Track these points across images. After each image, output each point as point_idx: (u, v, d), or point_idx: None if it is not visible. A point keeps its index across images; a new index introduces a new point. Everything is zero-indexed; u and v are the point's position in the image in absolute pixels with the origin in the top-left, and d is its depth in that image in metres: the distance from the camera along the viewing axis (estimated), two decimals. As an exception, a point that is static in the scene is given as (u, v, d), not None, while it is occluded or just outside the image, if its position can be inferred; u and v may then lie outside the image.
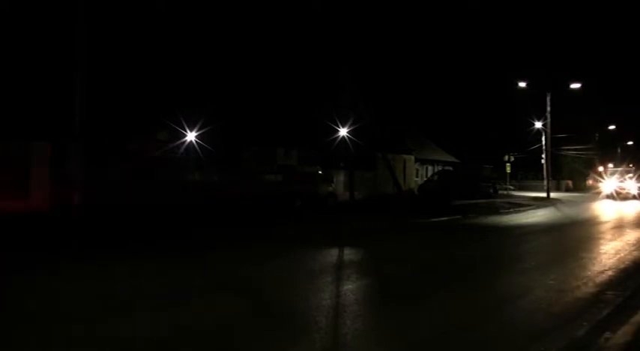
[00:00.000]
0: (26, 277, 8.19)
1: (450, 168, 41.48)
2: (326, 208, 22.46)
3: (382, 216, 19.65)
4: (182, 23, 23.06)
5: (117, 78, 19.67)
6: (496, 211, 23.67)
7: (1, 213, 13.90)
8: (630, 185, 35.45)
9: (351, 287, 7.65)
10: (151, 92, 21.56)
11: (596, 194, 37.26)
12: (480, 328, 5.69)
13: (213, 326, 5.74)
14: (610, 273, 8.77)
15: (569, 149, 46.15)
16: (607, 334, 5.43)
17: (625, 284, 7.91)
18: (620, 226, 17.54)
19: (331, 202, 23.76)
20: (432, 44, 58.44)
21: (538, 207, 27.04)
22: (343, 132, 25.22)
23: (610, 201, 32.16)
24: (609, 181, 36.99)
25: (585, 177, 51.55)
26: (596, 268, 9.23)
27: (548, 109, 36.28)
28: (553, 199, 32.97)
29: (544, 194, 34.87)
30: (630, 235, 14.42)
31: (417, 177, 39.08)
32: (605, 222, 19.06)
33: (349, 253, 11.12)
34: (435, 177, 36.87)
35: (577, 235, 15.46)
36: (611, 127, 54.61)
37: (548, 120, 36.56)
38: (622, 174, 37.23)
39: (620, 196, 34.01)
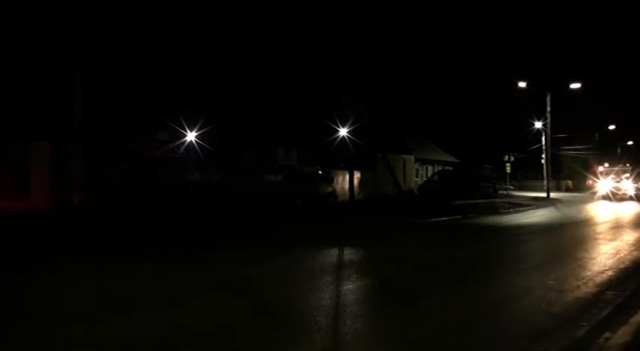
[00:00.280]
0: (26, 277, 8.19)
1: (450, 168, 41.47)
2: (326, 208, 22.45)
3: (382, 216, 19.66)
4: (182, 23, 23.07)
5: (117, 78, 19.68)
6: (496, 211, 23.67)
7: (1, 213, 13.90)
8: (627, 185, 34.15)
9: (351, 287, 7.65)
10: (151, 92, 21.56)
11: (593, 194, 35.78)
12: (480, 328, 5.69)
13: (213, 326, 5.74)
14: (610, 273, 8.77)
15: (569, 149, 46.16)
16: (607, 334, 5.42)
17: (625, 284, 7.91)
18: (619, 227, 17.54)
19: (331, 202, 23.76)
20: (432, 44, 58.48)
21: (538, 207, 27.05)
22: (343, 132, 25.23)
23: (606, 202, 30.98)
24: (605, 181, 35.61)
25: (585, 177, 51.31)
26: (596, 268, 9.23)
27: (548, 109, 36.29)
28: (553, 199, 32.97)
29: (544, 194, 34.87)
30: (630, 236, 14.42)
31: (417, 177, 39.09)
32: (605, 222, 19.05)
33: (349, 253, 11.12)
34: (435, 177, 36.87)
35: (577, 235, 15.46)
36: (611, 127, 54.63)
37: (548, 120, 36.56)
38: (618, 174, 35.81)
39: (616, 197, 32.79)
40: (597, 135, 54.94)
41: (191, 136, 21.75)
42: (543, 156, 38.32)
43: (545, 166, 37.79)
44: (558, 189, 46.02)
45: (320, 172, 24.70)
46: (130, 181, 17.27)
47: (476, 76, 55.82)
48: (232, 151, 25.17)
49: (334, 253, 11.14)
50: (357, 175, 27.39)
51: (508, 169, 40.39)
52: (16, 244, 11.22)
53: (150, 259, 10.13)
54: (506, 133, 48.18)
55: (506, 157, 40.36)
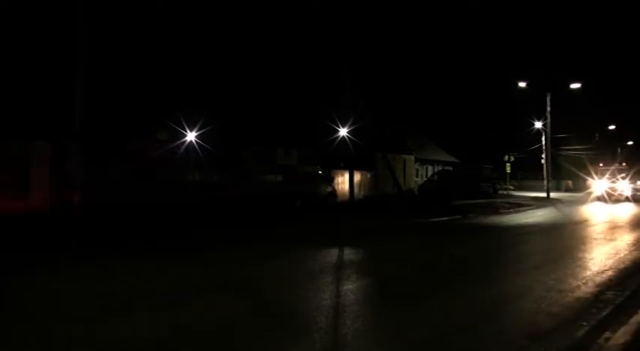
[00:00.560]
0: (26, 277, 8.19)
1: (450, 168, 41.50)
2: (326, 208, 22.46)
3: (382, 216, 19.65)
4: (182, 23, 23.07)
5: (117, 78, 19.68)
6: (496, 211, 23.67)
7: (1, 213, 13.90)
8: (623, 186, 32.63)
9: (351, 287, 7.65)
10: (151, 92, 21.57)
11: (589, 195, 34.10)
12: (480, 328, 5.69)
13: (213, 326, 5.75)
14: (610, 273, 8.77)
15: (569, 149, 46.14)
16: (607, 334, 5.43)
17: (625, 284, 7.91)
18: (619, 227, 17.55)
19: (331, 202, 23.78)
20: (432, 44, 58.50)
21: (538, 207, 27.04)
22: (343, 132, 25.23)
23: (601, 204, 29.18)
24: (600, 181, 33.95)
25: (584, 177, 51.09)
26: (596, 268, 9.23)
27: (548, 109, 36.29)
28: (553, 199, 32.96)
29: (544, 194, 34.85)
30: (630, 236, 14.42)
31: (417, 177, 39.10)
32: (605, 222, 19.05)
33: (349, 253, 11.12)
34: (435, 177, 36.87)
35: (577, 235, 15.47)
36: (611, 127, 54.63)
37: (548, 120, 36.56)
38: (614, 173, 34.02)
39: (611, 198, 31.14)
40: (597, 135, 54.95)
41: (191, 136, 21.75)
42: (543, 156, 38.32)
43: (545, 166, 37.78)
44: (558, 189, 46.01)
45: (320, 172, 24.72)
46: (130, 181, 17.27)
47: (476, 76, 55.89)
48: (232, 151, 25.17)
49: (334, 253, 11.14)
50: (357, 175, 27.40)
51: (508, 169, 40.39)
52: (16, 244, 11.23)
53: (150, 259, 10.13)
54: (506, 133, 48.24)
55: (506, 157, 40.37)
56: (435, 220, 18.92)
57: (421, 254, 11.27)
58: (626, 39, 71.82)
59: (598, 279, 8.26)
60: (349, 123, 25.05)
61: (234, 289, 7.60)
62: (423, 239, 14.34)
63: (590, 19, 65.03)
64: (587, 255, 11.18)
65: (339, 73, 24.19)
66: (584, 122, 47.85)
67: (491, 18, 61.60)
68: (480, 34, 62.13)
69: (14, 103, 17.83)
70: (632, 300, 6.95)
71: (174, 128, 21.34)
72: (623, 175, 33.82)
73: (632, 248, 11.85)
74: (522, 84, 35.66)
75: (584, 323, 5.88)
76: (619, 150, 58.18)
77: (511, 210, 24.56)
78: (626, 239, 13.61)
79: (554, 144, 39.72)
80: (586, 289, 7.53)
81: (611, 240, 13.73)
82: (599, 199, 31.29)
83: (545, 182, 36.69)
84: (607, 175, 33.99)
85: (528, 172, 51.54)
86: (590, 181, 36.47)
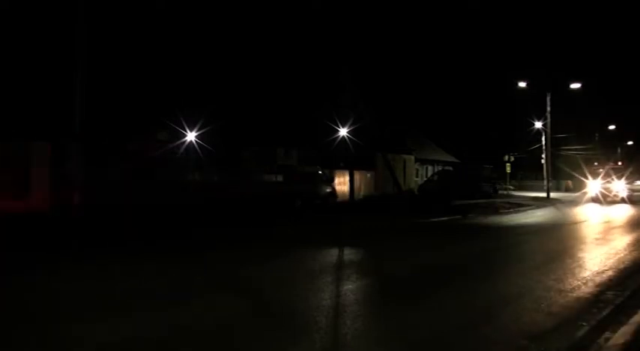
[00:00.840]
0: (26, 277, 8.19)
1: (450, 168, 41.51)
2: (326, 208, 22.47)
3: (382, 216, 19.65)
4: (182, 23, 23.08)
5: (117, 78, 19.68)
6: (496, 211, 23.67)
7: (1, 213, 13.90)
8: (618, 187, 31.00)
9: (351, 287, 7.65)
10: (151, 92, 21.57)
11: (584, 195, 32.80)
12: (480, 328, 5.69)
13: (213, 326, 5.75)
14: (610, 273, 8.77)
15: (569, 149, 46.14)
16: (607, 334, 5.43)
17: (625, 284, 7.91)
18: (619, 226, 17.56)
19: (331, 202, 23.79)
20: (432, 44, 58.51)
21: (538, 207, 27.04)
22: (343, 132, 25.24)
23: (596, 205, 27.85)
24: (594, 182, 32.37)
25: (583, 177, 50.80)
26: (596, 268, 9.23)
27: (548, 109, 36.29)
28: (553, 199, 32.96)
29: (544, 194, 34.85)
30: (630, 236, 14.42)
31: (417, 177, 39.11)
32: (605, 222, 19.06)
33: (349, 253, 11.12)
34: (435, 177, 36.88)
35: (577, 235, 15.48)
36: (611, 127, 54.64)
37: (548, 120, 36.57)
38: (608, 174, 32.38)
39: (607, 199, 29.73)
40: (597, 135, 54.95)
41: (191, 136, 21.75)
42: (543, 156, 38.32)
43: (545, 166, 37.78)
44: (558, 189, 45.99)
45: (320, 172, 24.72)
46: (129, 181, 17.28)
47: (476, 76, 55.88)
48: (232, 151, 25.19)
49: (334, 253, 11.14)
50: (357, 175, 27.40)
51: (508, 169, 40.40)
52: (16, 244, 11.23)
53: (150, 259, 10.13)
54: (506, 133, 48.25)
55: (506, 157, 40.37)
56: (435, 220, 18.91)
57: (421, 254, 11.27)
58: (626, 39, 71.84)
59: (598, 279, 8.26)
60: (349, 123, 25.06)
61: (234, 289, 7.60)
62: (423, 239, 14.33)
63: (590, 19, 65.07)
64: (587, 255, 11.18)
65: (339, 73, 24.19)
66: (584, 122, 47.86)
67: (491, 18, 61.64)
68: (480, 34, 62.15)
69: (14, 103, 17.84)
70: (632, 300, 6.94)
71: (174, 128, 21.34)
72: (619, 175, 32.28)
73: (631, 248, 11.85)
74: (522, 84, 35.66)
75: (584, 323, 5.88)
76: (619, 150, 58.21)
77: (511, 210, 24.56)
78: (625, 239, 13.61)
79: (554, 144, 39.71)
80: (586, 289, 7.53)
81: (611, 240, 13.74)
82: (594, 200, 30.17)
83: (545, 182, 36.68)
84: (602, 176, 32.52)
85: (528, 172, 51.55)
86: (585, 181, 34.99)
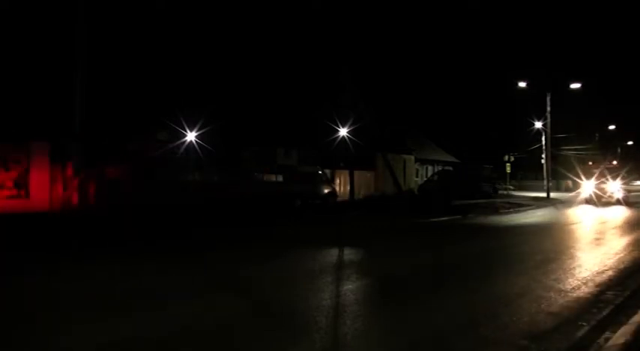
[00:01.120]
0: (26, 277, 8.19)
1: (450, 168, 41.51)
2: (326, 208, 22.47)
3: (382, 216, 19.65)
4: (182, 23, 23.06)
5: (117, 78, 19.66)
6: (496, 211, 23.67)
7: (1, 213, 13.91)
8: (613, 187, 29.32)
9: (351, 287, 7.65)
10: (151, 92, 21.55)
11: (577, 196, 31.58)
12: (480, 328, 5.69)
13: (213, 326, 5.75)
14: (610, 273, 8.77)
15: (569, 149, 46.13)
16: (607, 334, 5.43)
17: (625, 284, 7.92)
18: (619, 226, 17.56)
19: (331, 202, 23.78)
20: (432, 44, 58.51)
21: (538, 207, 27.04)
22: (343, 132, 25.24)
23: (590, 207, 26.65)
24: (587, 182, 30.78)
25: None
26: (596, 268, 9.23)
27: (548, 109, 36.29)
28: (553, 199, 32.95)
29: (544, 194, 34.85)
30: (630, 236, 14.42)
31: (417, 177, 39.10)
32: (605, 222, 19.06)
33: (349, 253, 11.12)
34: (435, 177, 36.88)
35: (577, 236, 15.48)
36: (611, 127, 54.65)
37: (548, 120, 36.57)
38: (603, 174, 30.65)
39: (601, 200, 28.09)
40: (597, 135, 54.96)
41: (191, 136, 21.73)
42: (543, 156, 38.31)
43: (545, 166, 37.77)
44: (558, 189, 45.98)
45: (320, 172, 24.71)
46: (129, 181, 17.27)
47: (476, 76, 55.87)
48: (232, 151, 25.17)
49: (334, 253, 11.14)
50: (357, 175, 27.39)
51: (508, 169, 40.39)
52: (16, 244, 11.23)
53: (150, 259, 10.13)
54: (506, 133, 48.25)
55: (506, 157, 40.37)
56: (435, 220, 18.91)
57: (421, 254, 11.27)
58: (626, 39, 71.85)
59: (598, 279, 8.25)
60: (349, 123, 25.06)
61: (234, 289, 7.60)
62: (423, 239, 14.34)
63: (590, 19, 65.08)
64: (587, 255, 11.18)
65: (339, 73, 24.20)
66: (584, 122, 47.87)
67: (491, 18, 61.66)
68: (480, 34, 62.18)
69: (14, 103, 17.82)
70: (632, 300, 6.95)
71: (174, 128, 21.32)
72: (614, 175, 30.53)
73: (631, 248, 11.85)
74: (522, 84, 35.67)
75: (584, 323, 5.88)
76: (619, 150, 58.22)
77: (511, 210, 24.56)
78: (626, 239, 13.61)
79: (554, 144, 39.70)
80: (586, 289, 7.53)
81: (612, 240, 13.74)
82: (588, 201, 28.67)
83: (545, 182, 36.67)
84: (596, 176, 30.75)
85: (528, 172, 51.54)
86: (579, 182, 33.40)
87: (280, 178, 23.60)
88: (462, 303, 6.78)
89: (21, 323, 5.77)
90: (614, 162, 43.21)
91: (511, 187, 43.10)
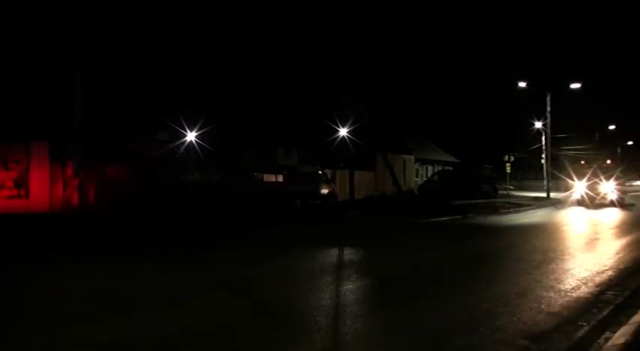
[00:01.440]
0: (26, 277, 8.20)
1: (450, 168, 41.51)
2: (326, 208, 22.47)
3: (382, 216, 19.66)
4: (182, 23, 23.06)
5: (117, 78, 19.66)
6: (496, 211, 23.67)
7: (1, 213, 13.90)
8: (607, 188, 27.26)
9: (351, 287, 7.65)
10: (151, 92, 21.55)
11: (569, 197, 29.72)
12: (480, 328, 5.68)
13: (213, 326, 5.75)
14: (610, 273, 8.77)
15: (569, 149, 46.12)
16: (607, 334, 5.43)
17: (625, 284, 7.91)
18: (619, 226, 17.55)
19: (331, 202, 23.78)
20: (432, 44, 58.54)
21: (538, 207, 27.05)
22: (343, 132, 25.24)
23: (582, 209, 25.30)
24: (581, 182, 28.52)
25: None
26: (596, 268, 9.23)
27: (548, 109, 36.29)
28: (553, 199, 32.96)
29: (544, 194, 34.86)
30: (630, 236, 14.41)
31: (417, 177, 39.11)
32: (605, 222, 19.06)
33: (349, 253, 11.12)
34: (435, 177, 36.89)
35: (577, 235, 15.48)
36: (611, 127, 54.68)
37: (548, 120, 36.57)
38: (595, 174, 28.33)
39: (593, 202, 26.34)
40: (597, 135, 54.97)
41: (191, 136, 21.73)
42: (543, 156, 38.29)
43: (545, 166, 37.74)
44: (558, 189, 45.93)
45: (320, 172, 24.71)
46: (129, 181, 17.26)
47: (476, 76, 55.93)
48: (232, 151, 25.16)
49: (334, 253, 11.14)
50: (357, 175, 27.40)
51: (508, 169, 40.37)
52: (16, 244, 11.23)
53: (150, 259, 10.13)
54: (506, 133, 48.27)
55: (506, 157, 40.34)
56: (435, 220, 18.91)
57: (421, 254, 11.27)
58: (626, 39, 71.85)
59: (598, 279, 8.25)
60: (349, 123, 25.06)
61: (234, 289, 7.60)
62: (423, 239, 14.34)
63: (590, 19, 65.09)
64: (587, 255, 11.18)
65: (339, 73, 24.21)
66: (584, 122, 47.88)
67: (491, 18, 61.69)
68: (480, 34, 62.20)
69: (14, 103, 17.81)
70: (632, 300, 6.94)
71: (174, 128, 21.32)
72: (608, 175, 28.29)
73: (631, 248, 11.85)
74: (522, 84, 35.66)
75: (584, 323, 5.88)
76: (619, 150, 58.23)
77: (511, 210, 24.56)
78: (625, 239, 13.61)
79: (554, 144, 39.69)
80: (586, 289, 7.53)
81: (611, 240, 13.74)
82: (580, 202, 27.03)
83: (545, 182, 36.62)
84: (588, 176, 28.37)
85: (528, 172, 51.52)
86: (571, 182, 31.04)
87: (280, 178, 23.60)
88: (461, 303, 6.78)
89: (21, 323, 5.77)
90: (608, 161, 42.51)
91: (511, 187, 43.08)
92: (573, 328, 5.72)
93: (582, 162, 38.70)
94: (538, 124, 38.00)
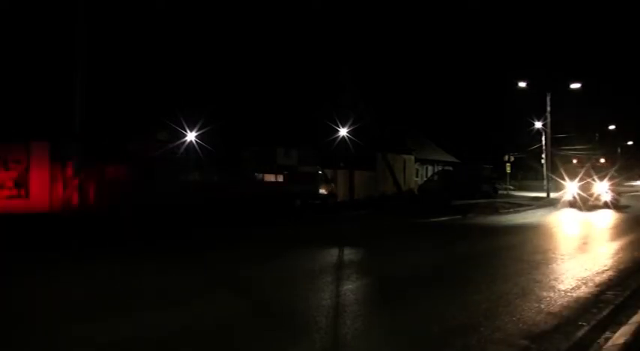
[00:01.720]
0: (26, 277, 8.20)
1: (450, 168, 41.51)
2: (326, 208, 22.47)
3: (382, 216, 19.66)
4: (182, 23, 23.07)
5: (117, 78, 19.66)
6: (496, 211, 23.66)
7: (1, 213, 13.90)
8: (600, 189, 25.40)
9: (350, 287, 7.65)
10: (151, 92, 21.55)
11: (560, 198, 28.63)
12: (480, 328, 5.68)
13: (213, 326, 5.75)
14: (610, 273, 8.77)
15: (569, 149, 46.10)
16: (607, 334, 5.43)
17: (625, 284, 7.91)
18: (619, 226, 17.55)
19: (331, 202, 23.79)
20: (432, 44, 58.56)
21: (538, 207, 27.03)
22: (343, 132, 25.26)
23: (575, 211, 23.74)
24: (571, 183, 26.52)
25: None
26: (596, 268, 9.23)
27: (548, 109, 36.29)
28: (553, 199, 32.92)
29: (544, 194, 34.83)
30: (630, 236, 14.41)
31: (417, 177, 39.10)
32: (604, 222, 19.06)
33: (349, 253, 11.12)
34: (435, 177, 36.89)
35: (577, 235, 15.48)
36: (611, 127, 54.68)
37: (548, 120, 36.56)
38: (588, 173, 26.18)
39: (586, 204, 24.58)
40: (597, 135, 54.96)
41: (191, 136, 21.73)
42: (543, 156, 38.28)
43: (545, 166, 37.72)
44: (558, 189, 45.88)
45: (320, 172, 24.72)
46: (129, 181, 17.26)
47: (476, 76, 55.95)
48: (232, 151, 25.15)
49: (334, 253, 11.14)
50: (357, 175, 27.41)
51: (508, 169, 40.36)
52: (17, 244, 11.23)
53: (150, 259, 10.14)
54: (506, 133, 48.25)
55: (506, 157, 40.34)
56: (435, 220, 18.92)
57: (421, 254, 11.27)
58: (626, 39, 71.86)
59: (598, 279, 8.25)
60: (349, 123, 25.08)
61: (234, 289, 7.60)
62: (423, 239, 14.33)
63: (590, 19, 65.10)
64: (587, 254, 11.18)
65: (339, 73, 24.24)
66: (584, 122, 47.88)
67: (491, 18, 61.70)
68: (480, 34, 62.22)
69: (14, 103, 17.81)
70: (632, 300, 6.94)
71: (175, 128, 21.32)
72: (601, 175, 26.13)
73: (631, 248, 11.85)
74: (522, 84, 35.65)
75: (584, 323, 5.88)
76: (619, 150, 58.20)
77: (511, 210, 24.55)
78: (625, 239, 13.61)
79: (554, 144, 39.68)
80: (586, 289, 7.53)
81: (611, 240, 13.74)
82: (572, 204, 25.40)
83: (545, 182, 36.61)
84: (580, 175, 26.20)
85: (528, 172, 51.48)
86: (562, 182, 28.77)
87: (280, 178, 23.60)
88: (462, 303, 6.78)
89: (21, 323, 5.77)
90: (602, 160, 41.93)
91: (511, 187, 43.08)
92: (573, 328, 5.72)
93: (574, 161, 37.10)
94: (538, 124, 37.99)
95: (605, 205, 24.75)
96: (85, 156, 15.29)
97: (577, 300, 6.94)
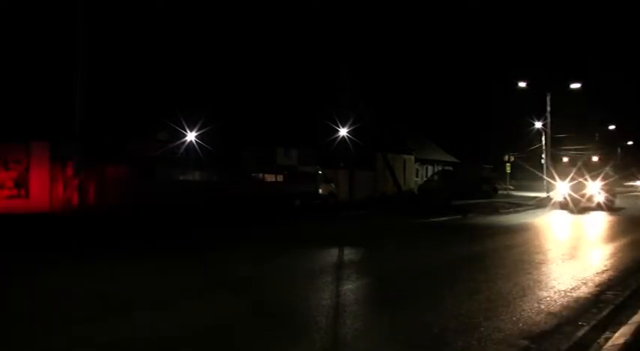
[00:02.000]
0: (26, 277, 8.20)
1: (450, 168, 41.52)
2: (326, 208, 22.48)
3: (382, 216, 19.66)
4: (182, 23, 23.07)
5: (117, 78, 19.66)
6: (496, 210, 23.66)
7: (1, 213, 13.90)
8: (593, 189, 23.89)
9: (350, 287, 7.65)
10: (151, 92, 21.55)
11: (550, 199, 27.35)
12: (480, 328, 5.68)
13: (213, 326, 5.74)
14: (610, 273, 8.77)
15: (569, 149, 46.11)
16: (607, 334, 5.43)
17: (625, 284, 7.91)
18: (618, 226, 17.54)
19: (331, 202, 23.80)
20: (432, 44, 58.57)
21: (537, 207, 27.01)
22: (343, 132, 25.25)
23: (565, 213, 22.50)
24: (562, 183, 24.96)
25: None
26: (596, 268, 9.23)
27: (548, 109, 36.31)
28: (552, 198, 32.89)
29: (544, 194, 34.83)
30: (630, 236, 14.41)
31: (417, 177, 39.11)
32: (604, 221, 19.05)
33: (349, 253, 11.12)
34: (435, 177, 36.90)
35: (577, 235, 15.47)
36: (611, 127, 54.70)
37: (548, 120, 36.58)
38: (580, 172, 24.71)
39: (578, 205, 23.16)
40: (597, 135, 54.97)
41: (191, 136, 21.72)
42: (543, 156, 38.28)
43: (545, 166, 37.74)
44: (553, 189, 45.79)
45: (320, 172, 24.72)
46: (129, 181, 17.26)
47: (476, 76, 55.95)
48: (232, 151, 25.15)
49: (334, 252, 11.14)
50: (357, 175, 27.40)
51: (508, 169, 40.38)
52: (16, 244, 11.23)
53: (150, 259, 10.13)
54: (506, 133, 48.26)
55: (506, 157, 40.35)
56: (435, 220, 18.92)
57: (421, 254, 11.27)
58: (626, 39, 71.86)
59: (598, 279, 8.25)
60: (349, 123, 25.08)
61: (234, 289, 7.60)
62: (423, 239, 14.34)
63: (590, 19, 65.10)
64: (587, 254, 11.19)
65: (339, 73, 24.24)
66: (584, 122, 47.89)
67: (491, 18, 61.71)
68: (480, 34, 62.24)
69: (14, 103, 17.81)
70: (632, 300, 6.95)
71: (175, 128, 21.31)
72: (594, 174, 24.58)
73: (631, 248, 11.85)
74: (522, 84, 35.68)
75: (584, 323, 5.88)
76: (619, 150, 58.22)
77: (511, 210, 24.55)
78: (625, 239, 13.60)
79: (554, 144, 39.68)
80: (586, 289, 7.53)
81: (612, 240, 13.73)
82: (562, 205, 24.02)
83: (544, 182, 36.60)
84: (572, 175, 24.72)
85: (528, 172, 51.46)
86: (553, 182, 27.44)
87: (280, 178, 23.60)
88: (462, 303, 6.78)
89: (21, 323, 5.77)
90: (595, 158, 41.27)
91: (511, 187, 43.10)
92: (573, 328, 5.72)
93: (565, 159, 35.96)
94: (538, 124, 38.00)
95: (599, 207, 23.48)
96: (85, 156, 15.28)
97: (577, 300, 6.94)
